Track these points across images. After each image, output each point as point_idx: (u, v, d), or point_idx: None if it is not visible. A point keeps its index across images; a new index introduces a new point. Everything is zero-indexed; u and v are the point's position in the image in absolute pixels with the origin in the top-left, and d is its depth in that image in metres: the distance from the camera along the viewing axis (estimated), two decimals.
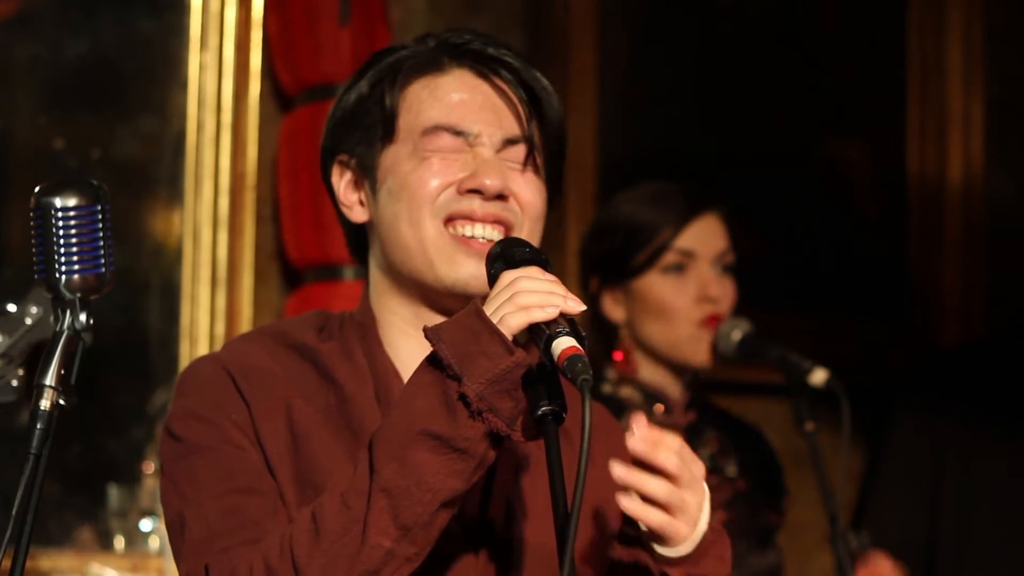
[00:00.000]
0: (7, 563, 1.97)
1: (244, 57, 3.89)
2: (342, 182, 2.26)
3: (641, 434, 1.95)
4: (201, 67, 3.89)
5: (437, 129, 2.18)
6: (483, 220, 2.17)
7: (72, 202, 2.02)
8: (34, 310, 2.62)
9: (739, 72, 4.48)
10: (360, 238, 2.28)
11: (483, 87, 2.21)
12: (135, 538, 3.73)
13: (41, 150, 3.85)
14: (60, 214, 2.01)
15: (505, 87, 2.21)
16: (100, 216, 2.04)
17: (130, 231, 3.86)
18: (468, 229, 2.17)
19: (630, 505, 1.97)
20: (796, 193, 4.53)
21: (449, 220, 2.17)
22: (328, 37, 3.81)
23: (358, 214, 2.26)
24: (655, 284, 3.34)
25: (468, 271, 2.15)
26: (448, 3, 4.16)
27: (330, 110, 2.28)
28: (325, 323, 2.25)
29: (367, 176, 2.23)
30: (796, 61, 4.55)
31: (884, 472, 4.15)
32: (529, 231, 2.19)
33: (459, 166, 2.18)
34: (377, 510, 1.93)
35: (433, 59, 2.22)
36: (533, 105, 2.22)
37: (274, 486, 2.09)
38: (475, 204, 2.16)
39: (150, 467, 3.76)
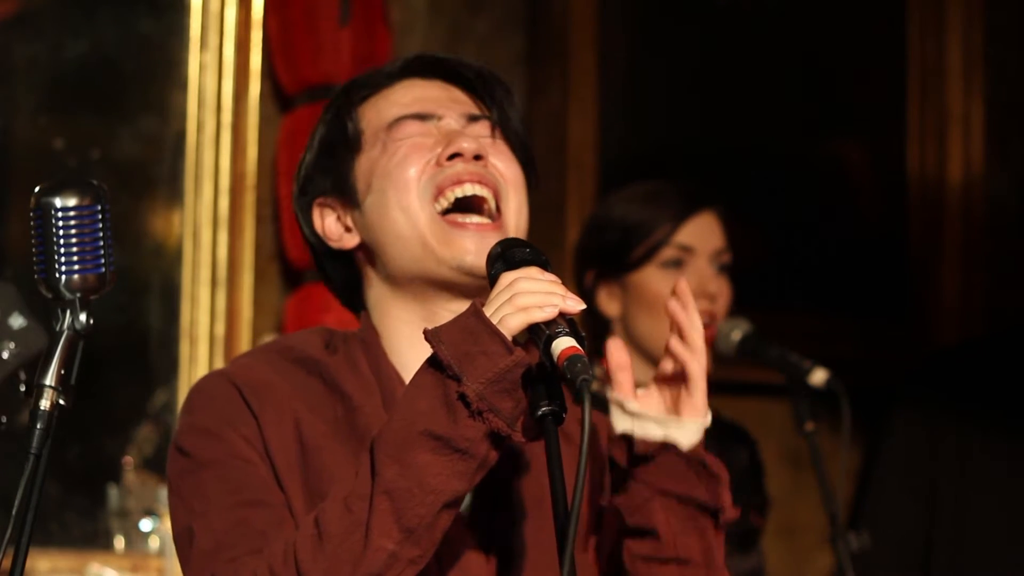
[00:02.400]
0: (7, 563, 1.97)
1: (244, 57, 3.89)
2: (325, 223, 2.26)
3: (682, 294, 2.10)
4: (201, 67, 3.89)
5: (401, 120, 2.21)
6: (470, 180, 2.17)
7: (72, 202, 2.02)
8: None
9: (739, 72, 4.48)
10: (349, 271, 2.27)
11: (435, 84, 2.25)
12: (135, 538, 3.73)
13: (41, 150, 3.84)
14: (60, 214, 2.01)
15: (456, 81, 2.25)
16: (100, 216, 2.03)
17: (130, 231, 3.86)
18: (458, 190, 2.17)
19: (678, 346, 2.07)
20: (796, 193, 4.53)
21: (439, 193, 2.17)
22: (328, 37, 3.81)
23: (349, 240, 2.25)
24: (652, 278, 3.34)
25: (471, 252, 2.15)
26: (448, 4, 4.16)
27: (297, 168, 2.30)
28: (330, 338, 2.25)
29: (348, 197, 2.23)
30: (796, 61, 4.55)
31: (881, 469, 4.15)
32: (516, 201, 2.21)
33: (432, 143, 2.20)
34: (379, 513, 1.93)
35: (383, 77, 2.27)
36: (488, 94, 2.25)
37: (282, 499, 2.09)
38: (459, 167, 2.18)
39: (130, 462, 3.76)
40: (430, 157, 2.19)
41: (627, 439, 2.11)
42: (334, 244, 2.26)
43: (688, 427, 2.10)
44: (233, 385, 2.15)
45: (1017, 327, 4.24)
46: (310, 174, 2.28)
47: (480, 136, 2.22)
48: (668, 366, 2.12)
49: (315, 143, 2.28)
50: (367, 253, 2.24)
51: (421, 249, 2.17)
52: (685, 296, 2.12)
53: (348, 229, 2.25)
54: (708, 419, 2.12)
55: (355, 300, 2.28)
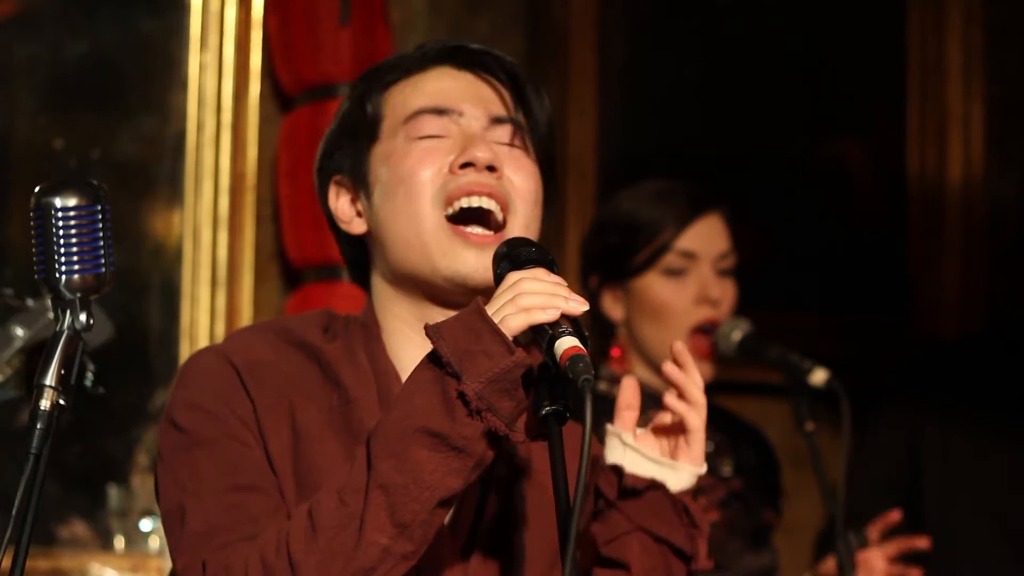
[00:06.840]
0: (7, 563, 1.97)
1: (244, 57, 3.89)
2: (339, 202, 2.27)
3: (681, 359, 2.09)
4: (201, 67, 3.89)
5: (420, 113, 2.19)
6: (479, 192, 2.16)
7: (72, 202, 2.02)
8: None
9: (739, 72, 4.48)
10: (359, 253, 2.28)
11: (465, 76, 2.23)
12: (135, 538, 3.73)
13: (41, 150, 3.84)
14: (60, 214, 2.01)
15: (488, 76, 2.23)
16: (100, 216, 2.03)
17: (130, 231, 3.86)
18: (465, 201, 2.16)
19: (676, 403, 2.08)
20: (796, 193, 4.53)
21: (448, 202, 2.16)
22: (328, 37, 3.81)
23: (357, 226, 2.25)
24: (654, 284, 3.33)
25: (468, 265, 2.15)
26: (448, 4, 4.15)
27: (323, 138, 2.29)
28: (330, 323, 2.25)
29: (361, 185, 2.23)
30: (796, 61, 4.55)
31: (862, 466, 4.14)
32: (525, 216, 2.19)
33: (447, 148, 2.18)
34: (374, 507, 1.92)
35: (415, 62, 2.25)
36: (517, 93, 2.24)
37: (276, 483, 2.08)
38: (471, 177, 2.16)
39: (144, 460, 3.76)
40: (443, 164, 2.17)
41: (617, 471, 2.12)
42: (344, 226, 2.27)
43: (681, 472, 2.12)
44: (230, 363, 2.14)
45: (1004, 325, 4.24)
46: (330, 150, 2.27)
47: (499, 142, 2.21)
48: (667, 418, 2.14)
49: (339, 119, 2.27)
50: (374, 241, 2.24)
51: (420, 253, 2.17)
52: (682, 357, 2.12)
53: (359, 214, 2.25)
54: (703, 469, 2.14)
55: (363, 279, 2.29)
